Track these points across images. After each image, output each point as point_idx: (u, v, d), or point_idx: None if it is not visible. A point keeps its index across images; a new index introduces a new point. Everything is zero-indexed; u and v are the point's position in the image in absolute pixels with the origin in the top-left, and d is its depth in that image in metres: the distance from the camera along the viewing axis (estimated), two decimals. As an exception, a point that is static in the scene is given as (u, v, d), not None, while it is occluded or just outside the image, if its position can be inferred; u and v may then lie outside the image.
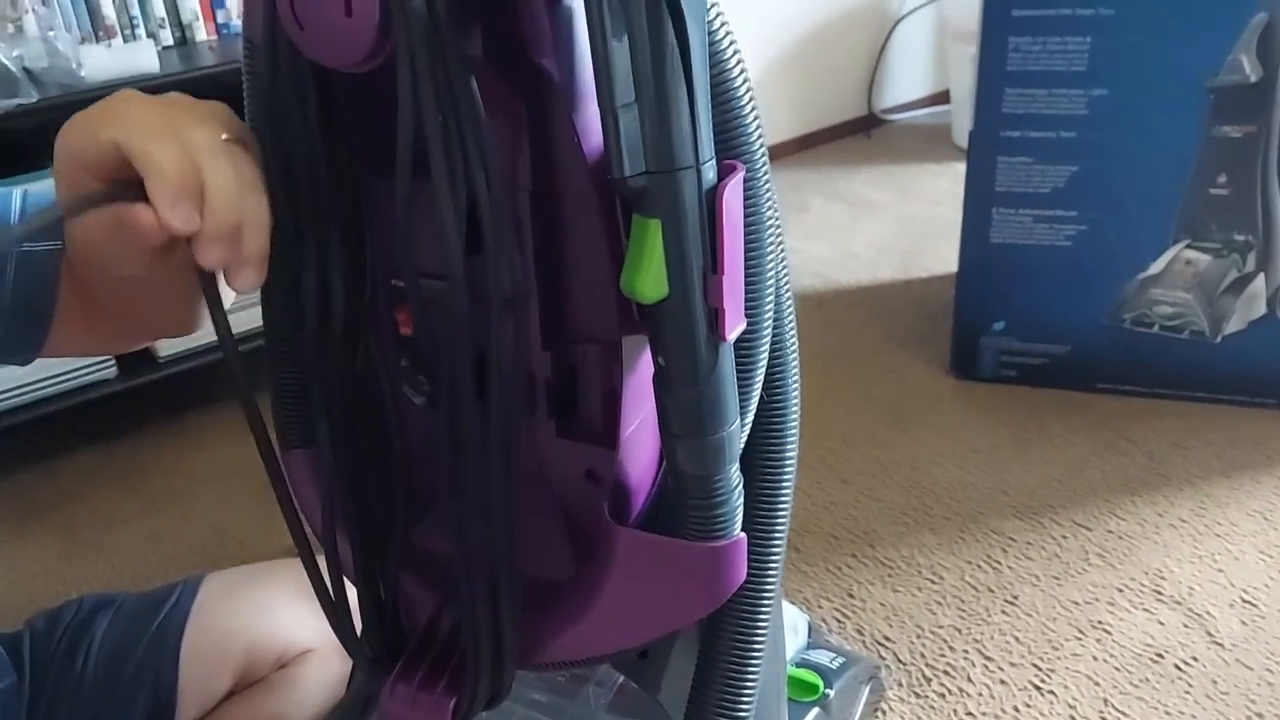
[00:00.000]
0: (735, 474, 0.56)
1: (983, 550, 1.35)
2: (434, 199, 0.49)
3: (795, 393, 0.61)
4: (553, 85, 0.53)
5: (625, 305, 0.56)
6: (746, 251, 0.54)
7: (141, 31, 1.69)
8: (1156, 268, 1.56)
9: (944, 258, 2.19)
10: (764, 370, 0.58)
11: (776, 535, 0.62)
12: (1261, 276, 1.53)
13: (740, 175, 0.51)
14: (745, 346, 0.56)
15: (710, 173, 0.49)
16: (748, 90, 0.52)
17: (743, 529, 0.58)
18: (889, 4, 2.98)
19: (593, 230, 0.57)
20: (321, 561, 0.63)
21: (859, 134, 3.06)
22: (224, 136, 0.49)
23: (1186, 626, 1.21)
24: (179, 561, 1.46)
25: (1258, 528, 1.36)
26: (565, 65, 0.52)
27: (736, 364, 0.55)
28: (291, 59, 0.51)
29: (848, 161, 2.85)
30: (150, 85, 1.50)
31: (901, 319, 1.97)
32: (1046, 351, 1.67)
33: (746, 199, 0.53)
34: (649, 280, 0.51)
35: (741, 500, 0.57)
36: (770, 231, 0.55)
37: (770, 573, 0.62)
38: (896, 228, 2.40)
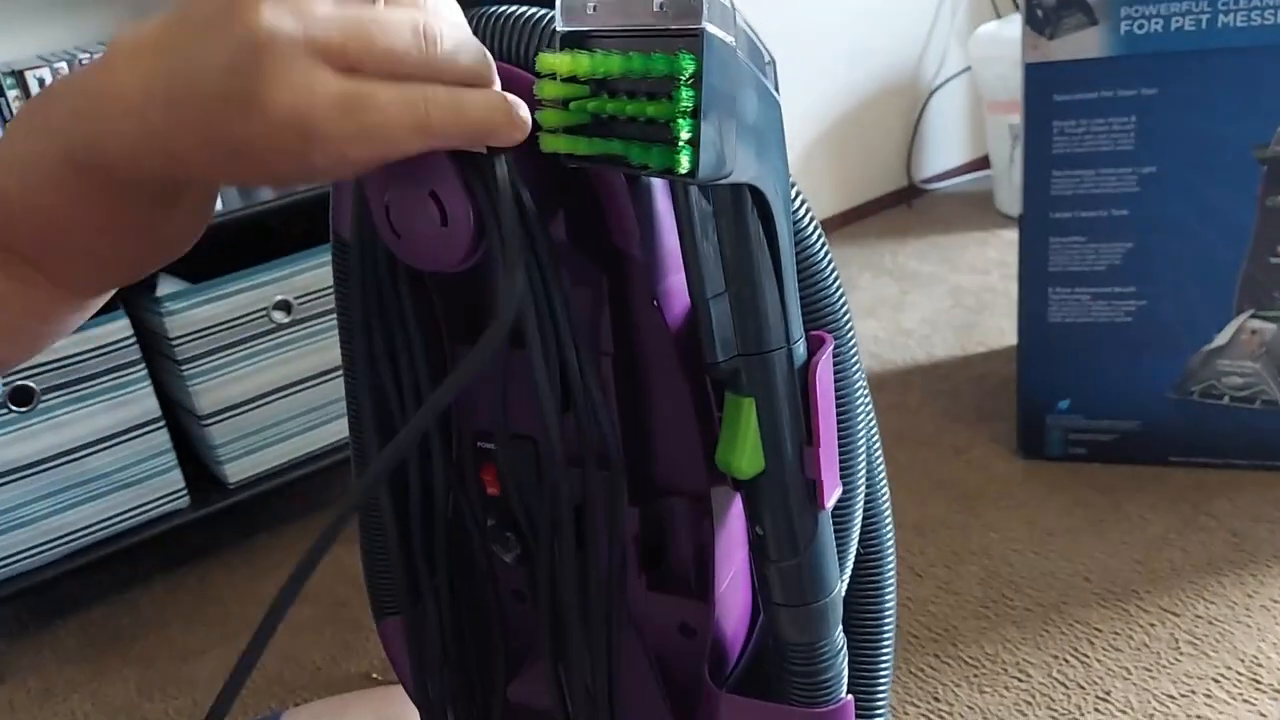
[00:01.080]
0: (840, 637, 0.56)
1: (1069, 643, 1.32)
2: (528, 368, 0.51)
3: (890, 547, 0.61)
4: (634, 262, 0.54)
5: (712, 460, 0.56)
6: (839, 417, 0.54)
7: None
8: (1221, 339, 1.54)
9: (1000, 330, 2.18)
10: (859, 528, 0.58)
11: (880, 692, 0.61)
12: (1332, 343, 1.50)
13: (830, 348, 0.51)
14: (842, 509, 0.56)
15: (801, 349, 0.50)
16: (831, 265, 0.52)
17: (848, 689, 0.57)
18: (923, 76, 3.01)
19: (676, 390, 0.58)
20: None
21: (901, 205, 3.07)
22: None
23: (1291, 717, 1.17)
24: (256, 692, 1.46)
25: (1354, 604, 1.32)
26: (648, 246, 0.53)
27: (834, 527, 0.55)
28: (389, 260, 0.52)
29: (892, 234, 2.86)
30: (214, 222, 1.55)
31: (962, 397, 1.95)
32: (1115, 428, 1.65)
33: (837, 366, 0.53)
34: (745, 456, 0.51)
35: (846, 662, 0.57)
36: (860, 392, 0.56)
37: (877, 728, 0.61)
38: (948, 300, 2.39)
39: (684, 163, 0.38)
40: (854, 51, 2.83)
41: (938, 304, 2.38)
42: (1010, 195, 2.78)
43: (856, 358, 0.55)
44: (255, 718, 1.00)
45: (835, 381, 0.53)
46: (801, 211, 0.50)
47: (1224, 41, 1.39)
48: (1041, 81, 1.48)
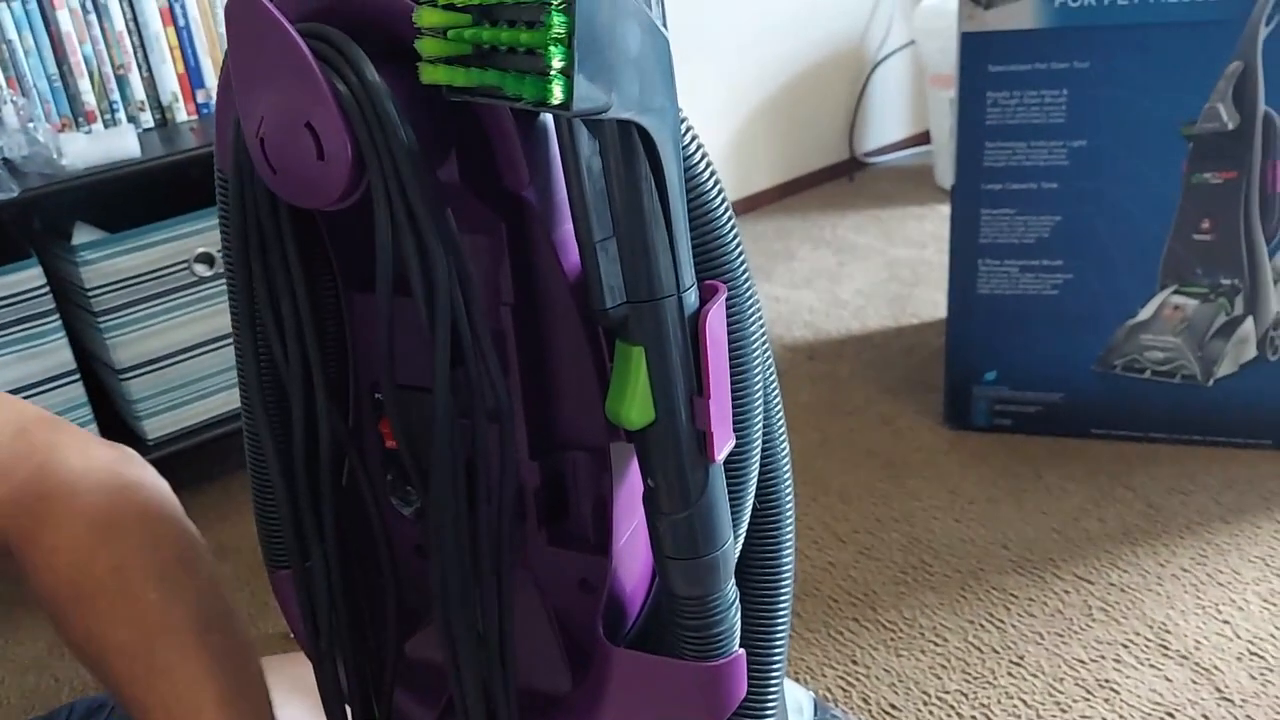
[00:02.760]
0: (731, 591, 0.55)
1: (985, 609, 1.34)
2: (415, 317, 0.49)
3: (789, 503, 0.60)
4: (530, 208, 0.53)
5: (611, 415, 0.55)
6: (733, 369, 0.53)
7: (122, 115, 1.69)
8: (1145, 314, 1.56)
9: (933, 302, 2.19)
10: (755, 484, 0.57)
11: (777, 648, 0.61)
12: (1250, 319, 1.53)
13: (722, 297, 0.50)
14: (736, 463, 0.55)
15: (692, 298, 0.49)
16: (726, 210, 0.51)
17: (741, 644, 0.57)
18: (867, 48, 3.01)
19: (575, 341, 0.57)
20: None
21: (841, 178, 3.08)
22: None
23: (1195, 683, 1.20)
24: (172, 650, 1.44)
25: (1260, 575, 1.35)
26: (542, 190, 0.52)
27: (728, 481, 0.54)
28: (269, 196, 0.50)
29: (832, 207, 2.86)
30: (133, 169, 1.50)
31: (893, 368, 1.96)
32: (1039, 400, 1.67)
33: (731, 317, 0.53)
34: (634, 407, 0.50)
35: (738, 616, 0.56)
36: (757, 345, 0.55)
37: (772, 684, 0.61)
38: (884, 273, 2.40)
39: (557, 93, 0.37)
40: (798, 22, 2.82)
41: (874, 276, 2.39)
42: (949, 170, 2.79)
43: (755, 309, 0.54)
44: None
45: (730, 333, 0.52)
46: (697, 157, 0.49)
47: (1157, 16, 1.40)
48: (976, 52, 1.48)
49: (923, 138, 3.16)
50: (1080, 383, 1.64)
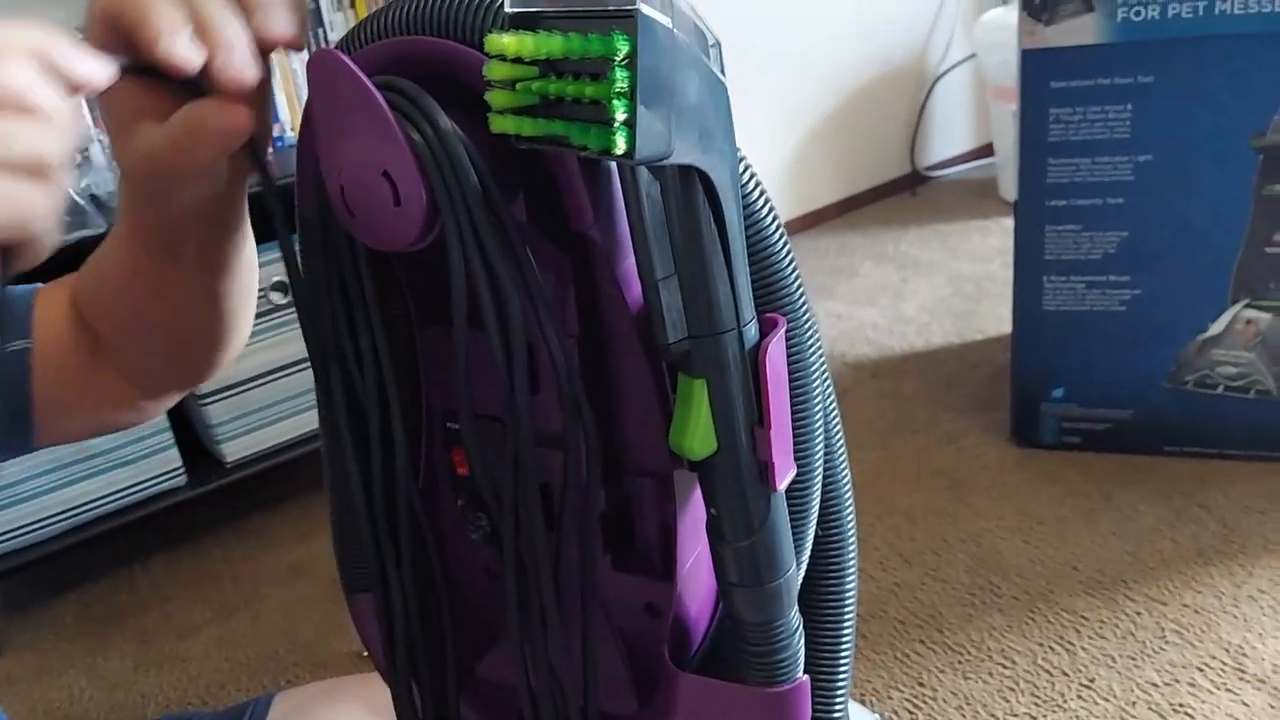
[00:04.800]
0: (795, 617, 0.56)
1: (1055, 631, 1.32)
2: (490, 350, 0.51)
3: (852, 530, 0.61)
4: (594, 245, 0.55)
5: (673, 440, 0.57)
6: (793, 399, 0.54)
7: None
8: (1216, 328, 1.54)
9: (999, 318, 2.17)
10: (818, 510, 0.58)
11: (841, 673, 0.61)
12: (1326, 334, 1.50)
13: (782, 329, 0.51)
14: (798, 491, 0.56)
15: (752, 331, 0.50)
16: (784, 243, 0.53)
17: (806, 670, 0.58)
18: (928, 62, 3.00)
19: (638, 371, 0.58)
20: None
21: (904, 192, 3.06)
22: None
23: (1273, 707, 1.17)
24: (250, 667, 1.48)
25: (1342, 595, 1.32)
26: (605, 228, 0.53)
27: (790, 509, 0.55)
28: (347, 238, 0.53)
29: (894, 222, 2.85)
30: (210, 202, 1.56)
31: (958, 385, 1.95)
32: (1109, 416, 1.64)
33: (791, 348, 0.54)
34: (697, 438, 0.51)
35: (803, 643, 0.57)
36: (817, 375, 0.56)
37: (837, 709, 0.62)
38: (948, 288, 2.39)
39: (620, 143, 0.39)
40: (859, 36, 2.82)
41: (938, 292, 2.38)
42: (1014, 183, 2.76)
43: (815, 341, 0.56)
44: (247, 700, 1.01)
45: (790, 363, 0.53)
46: (755, 193, 0.50)
47: (1221, 28, 1.38)
48: (1038, 68, 1.47)
49: (986, 150, 3.13)
50: (1151, 399, 1.61)
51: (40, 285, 0.66)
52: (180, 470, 1.69)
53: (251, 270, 0.67)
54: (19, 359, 0.65)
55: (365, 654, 1.49)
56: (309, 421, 1.77)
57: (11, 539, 1.57)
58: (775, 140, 2.71)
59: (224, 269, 0.61)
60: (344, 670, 1.42)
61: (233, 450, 1.72)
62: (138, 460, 1.65)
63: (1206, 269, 1.51)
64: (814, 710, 0.60)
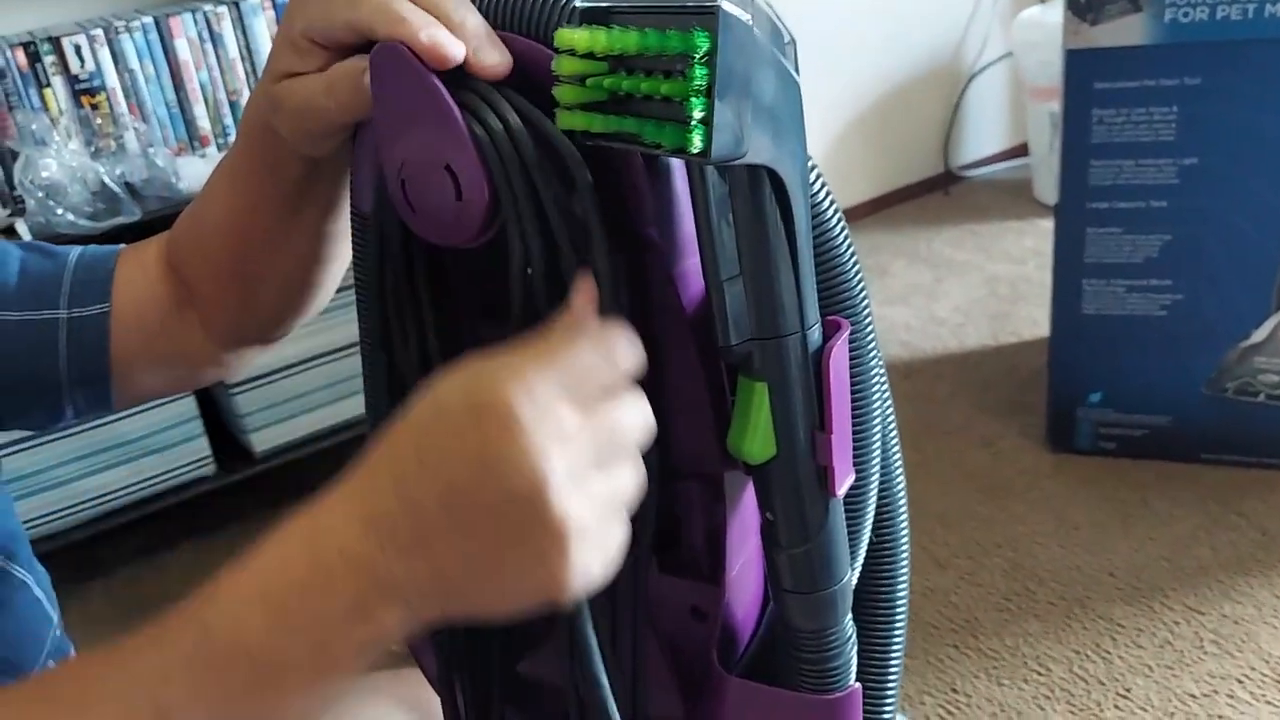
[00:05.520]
0: (849, 625, 0.55)
1: (1091, 638, 1.31)
2: None
3: (905, 537, 0.60)
4: (652, 243, 0.54)
5: (726, 445, 0.56)
6: (854, 404, 0.53)
7: (233, 139, 1.76)
8: (1259, 336, 1.52)
9: (1034, 320, 2.15)
10: (872, 517, 0.57)
11: (890, 681, 0.60)
12: (1373, 342, 1.47)
13: (845, 334, 0.50)
14: (854, 498, 0.55)
15: (816, 335, 0.49)
16: (849, 246, 0.52)
17: (857, 678, 0.57)
18: (963, 60, 2.97)
19: (692, 372, 0.57)
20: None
21: (937, 191, 3.04)
22: None
23: (1315, 721, 1.16)
24: (279, 658, 1.48)
25: (1385, 609, 1.30)
26: (664, 227, 0.53)
27: (846, 515, 0.54)
28: (404, 235, 0.52)
29: (927, 221, 2.83)
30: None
31: (993, 388, 1.93)
32: (1146, 423, 1.62)
33: (852, 354, 0.53)
34: (756, 442, 0.50)
35: (855, 651, 0.56)
36: (876, 381, 0.55)
37: (885, 718, 0.61)
38: (982, 290, 2.36)
39: (696, 142, 0.38)
40: (894, 34, 2.79)
41: (972, 293, 2.36)
42: (1049, 184, 2.74)
43: (874, 345, 0.55)
44: None
45: (851, 368, 0.52)
46: (822, 195, 0.49)
47: (1271, 32, 1.35)
48: (1082, 68, 1.45)
49: (1021, 150, 3.10)
50: (1190, 406, 1.59)
51: (123, 246, 0.67)
52: (209, 459, 1.69)
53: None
54: (98, 322, 0.67)
55: (394, 647, 1.49)
56: (338, 413, 1.77)
57: (41, 524, 1.58)
58: (809, 138, 2.69)
59: (341, 213, 0.61)
60: (377, 668, 1.42)
61: (262, 440, 1.72)
62: (167, 449, 1.65)
63: (1250, 275, 1.49)
64: (864, 718, 0.59)
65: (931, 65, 2.92)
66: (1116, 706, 1.20)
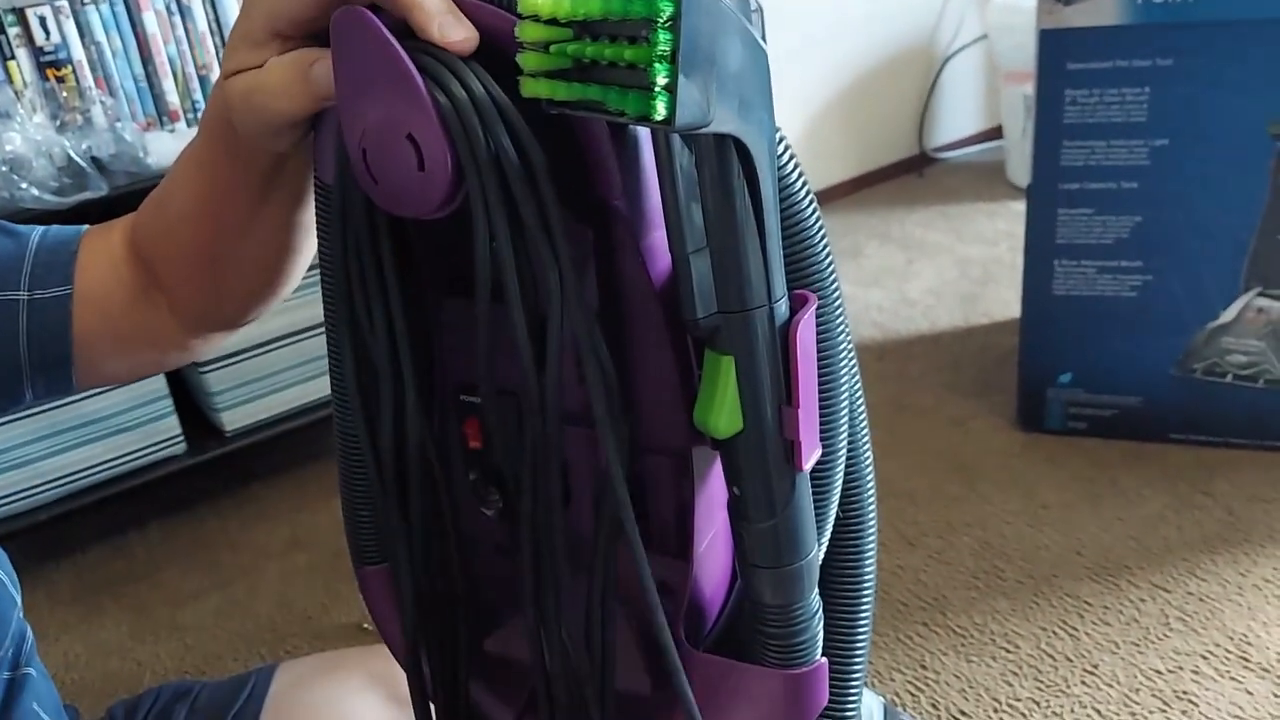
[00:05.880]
0: (815, 600, 0.55)
1: (1058, 616, 1.32)
2: (510, 323, 0.50)
3: (872, 512, 0.60)
4: (619, 215, 0.53)
5: (694, 420, 0.56)
6: (821, 379, 0.53)
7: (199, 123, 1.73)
8: (1227, 316, 1.53)
9: (1005, 302, 2.16)
10: (839, 492, 0.57)
11: (857, 656, 0.60)
12: (1338, 324, 1.49)
13: (813, 308, 0.50)
14: (821, 472, 0.55)
15: (783, 308, 0.49)
16: (817, 220, 0.51)
17: (823, 653, 0.57)
18: (938, 42, 2.97)
19: (660, 347, 0.57)
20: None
21: (911, 173, 3.04)
22: None
23: (1276, 696, 1.17)
24: (248, 638, 1.47)
25: (1347, 587, 1.32)
26: (632, 198, 0.52)
27: (813, 490, 0.54)
28: (367, 205, 0.51)
29: (901, 202, 2.83)
30: (213, 167, 1.54)
31: (964, 369, 1.94)
32: (1116, 403, 1.64)
33: (820, 327, 0.52)
34: (723, 415, 0.50)
35: (821, 625, 0.56)
36: (844, 355, 0.55)
37: (852, 694, 0.61)
38: (954, 271, 2.37)
39: (660, 109, 0.37)
40: (870, 15, 2.79)
41: (944, 274, 2.37)
42: (1022, 167, 2.74)
43: (842, 320, 0.54)
44: (249, 670, 1.01)
45: (819, 342, 0.52)
46: (790, 167, 0.49)
47: (1242, 13, 1.36)
48: (1055, 48, 1.45)
49: (994, 133, 3.11)
50: (1159, 386, 1.60)
51: (87, 228, 0.66)
52: (179, 438, 1.68)
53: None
54: (60, 304, 0.66)
55: (366, 626, 1.48)
56: (309, 392, 1.75)
57: (7, 504, 1.56)
58: (784, 119, 2.67)
59: (309, 203, 0.61)
60: (344, 642, 1.41)
61: (232, 419, 1.71)
62: (136, 427, 1.63)
63: (1219, 256, 1.50)
64: (830, 693, 0.59)
65: (907, 47, 2.92)
66: (1083, 683, 1.22)
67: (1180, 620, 1.29)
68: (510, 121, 0.46)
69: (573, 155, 0.52)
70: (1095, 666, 1.24)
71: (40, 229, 0.67)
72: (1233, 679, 1.20)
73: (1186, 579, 1.36)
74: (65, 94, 1.54)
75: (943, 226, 2.63)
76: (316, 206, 0.55)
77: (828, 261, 0.52)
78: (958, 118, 3.13)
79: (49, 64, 1.57)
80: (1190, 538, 1.43)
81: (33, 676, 0.79)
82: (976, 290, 2.25)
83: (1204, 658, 1.23)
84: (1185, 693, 1.19)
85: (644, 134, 0.52)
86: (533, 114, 0.47)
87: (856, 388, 0.59)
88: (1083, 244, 1.55)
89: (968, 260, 2.41)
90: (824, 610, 0.59)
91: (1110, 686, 1.21)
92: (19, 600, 0.75)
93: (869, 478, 0.60)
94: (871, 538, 0.61)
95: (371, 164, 0.47)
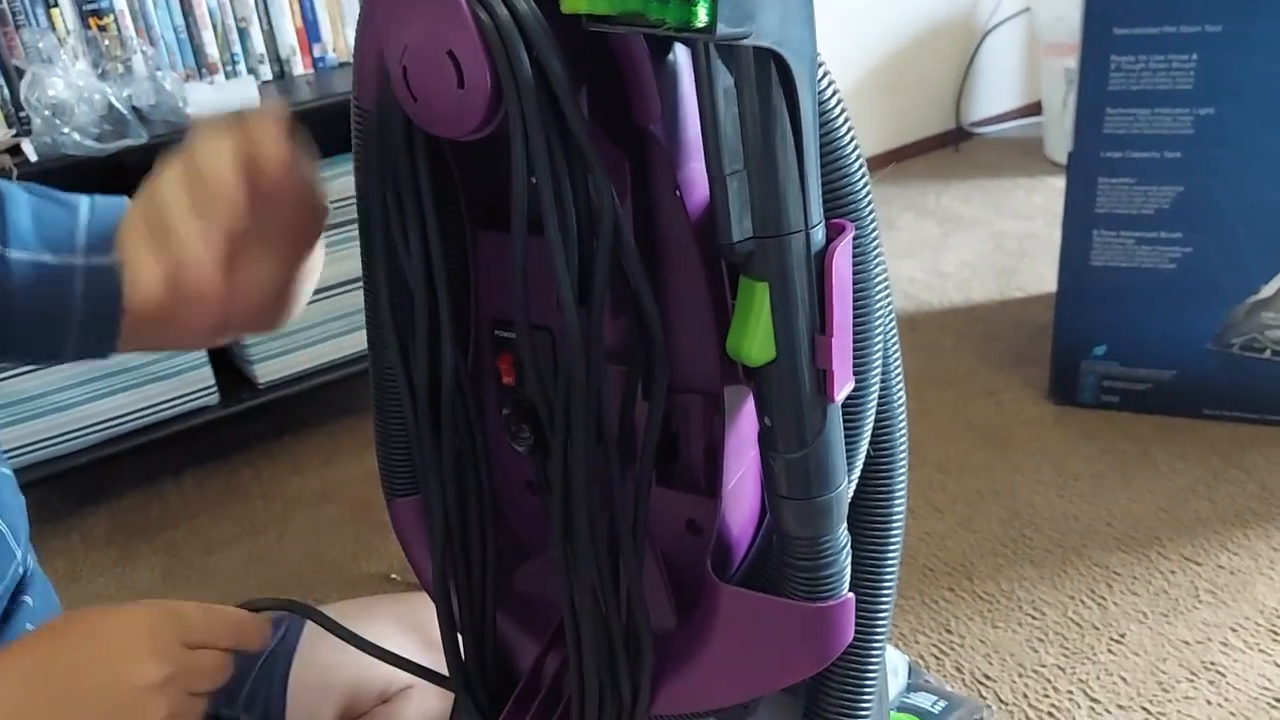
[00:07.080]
0: (843, 534, 0.55)
1: (1086, 585, 1.31)
2: (548, 256, 0.50)
3: (903, 450, 0.60)
4: (657, 144, 0.53)
5: (726, 356, 0.55)
6: (855, 310, 0.53)
7: (242, 67, 1.74)
8: (1268, 291, 1.51)
9: (1040, 277, 2.14)
10: (871, 428, 0.57)
11: (884, 594, 0.60)
12: (1382, 299, 1.46)
13: (849, 236, 0.50)
14: (853, 406, 0.55)
15: (819, 235, 0.49)
16: (855, 150, 0.51)
17: (850, 588, 0.57)
18: (978, 15, 2.94)
19: (694, 283, 0.57)
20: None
21: (947, 148, 3.01)
22: None
23: (1306, 670, 1.16)
24: (278, 586, 1.49)
25: (1381, 564, 1.30)
26: (671, 126, 0.52)
27: (844, 424, 0.54)
28: (405, 127, 0.52)
29: (937, 176, 2.81)
30: (251, 120, 1.55)
31: (997, 341, 1.92)
32: (1150, 377, 1.62)
33: (855, 258, 0.52)
34: (756, 343, 0.50)
35: (849, 560, 0.56)
36: (879, 288, 0.54)
37: (878, 632, 0.61)
38: (990, 245, 2.35)
39: (701, 15, 0.37)
40: (910, -15, 2.76)
41: (979, 248, 2.34)
42: (1061, 142, 2.71)
43: (879, 252, 0.54)
44: (278, 615, 1.02)
45: (854, 271, 0.52)
46: (829, 94, 0.49)
47: (1296, -21, 1.33)
48: (1102, 13, 1.43)
49: (1034, 109, 3.07)
50: (1194, 361, 1.58)
51: (128, 201, 0.68)
52: (213, 389, 1.70)
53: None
54: (112, 274, 0.68)
55: (394, 576, 1.50)
56: (342, 346, 1.77)
57: (45, 448, 1.58)
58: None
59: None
60: (373, 591, 1.43)
61: (265, 372, 1.73)
62: (171, 376, 1.65)
63: (1261, 229, 1.48)
64: (856, 630, 0.59)
65: (947, 19, 2.88)
66: (1110, 651, 1.21)
67: (1210, 592, 1.28)
68: (551, 41, 0.46)
69: (611, 81, 0.52)
70: (1122, 635, 1.23)
71: (85, 198, 0.69)
72: (1262, 651, 1.19)
73: (1218, 552, 1.35)
74: (107, 43, 1.55)
75: (979, 200, 2.61)
76: (354, 130, 0.55)
77: (865, 192, 0.52)
78: (996, 92, 3.09)
79: (91, 12, 1.59)
80: (1222, 511, 1.42)
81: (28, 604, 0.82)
82: (1012, 264, 2.23)
83: (1233, 630, 1.22)
84: (1213, 663, 1.18)
85: (684, 63, 0.51)
86: (573, 35, 0.46)
87: (891, 328, 0.58)
88: (1123, 214, 1.53)
89: (1003, 234, 2.39)
90: (852, 546, 0.59)
91: (1137, 655, 1.20)
92: (18, 553, 0.77)
93: (901, 416, 0.60)
94: (902, 478, 0.60)
95: (412, 82, 0.47)
